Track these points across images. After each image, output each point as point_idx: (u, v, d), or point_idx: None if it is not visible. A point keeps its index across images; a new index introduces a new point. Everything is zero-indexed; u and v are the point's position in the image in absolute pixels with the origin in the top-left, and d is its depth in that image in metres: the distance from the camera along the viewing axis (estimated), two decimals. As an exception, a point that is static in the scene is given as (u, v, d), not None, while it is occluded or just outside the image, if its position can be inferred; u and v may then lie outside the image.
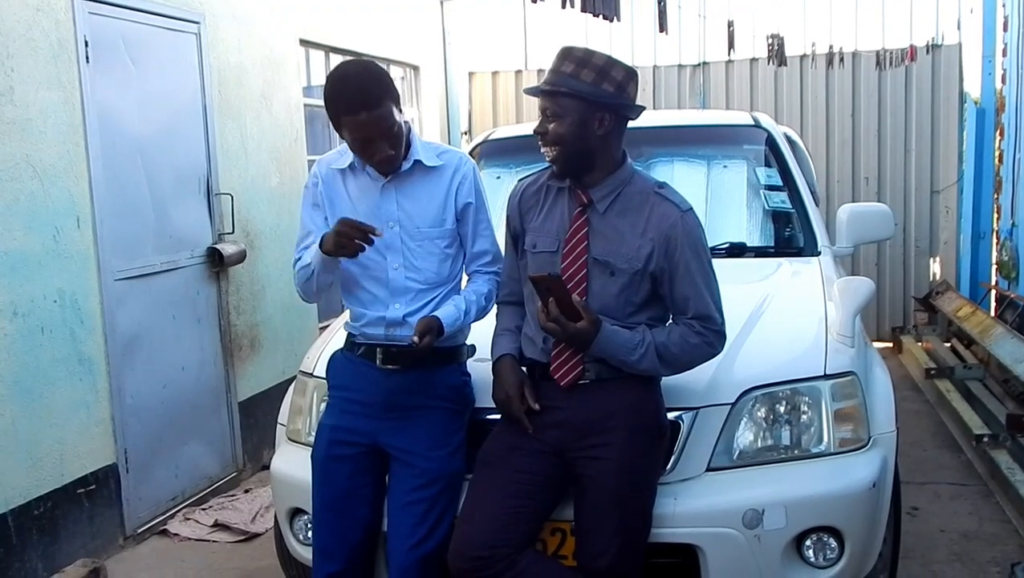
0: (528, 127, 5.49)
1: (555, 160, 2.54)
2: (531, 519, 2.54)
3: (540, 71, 8.83)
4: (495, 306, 2.82)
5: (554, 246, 2.58)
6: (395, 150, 2.60)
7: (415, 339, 2.53)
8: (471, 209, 2.75)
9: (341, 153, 2.76)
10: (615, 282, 2.52)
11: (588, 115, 2.48)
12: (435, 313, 2.63)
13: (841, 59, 8.09)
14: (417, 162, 2.68)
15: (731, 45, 8.09)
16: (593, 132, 2.49)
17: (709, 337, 2.53)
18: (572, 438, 2.54)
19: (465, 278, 2.84)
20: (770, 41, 8.02)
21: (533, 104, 9.55)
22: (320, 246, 2.59)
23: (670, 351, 2.50)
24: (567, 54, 2.51)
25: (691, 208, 2.56)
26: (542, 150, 2.55)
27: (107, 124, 4.22)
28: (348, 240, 2.50)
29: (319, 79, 6.54)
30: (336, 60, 6.45)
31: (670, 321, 2.61)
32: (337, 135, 2.66)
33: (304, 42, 6.16)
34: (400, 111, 2.60)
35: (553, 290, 2.40)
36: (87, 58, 4.09)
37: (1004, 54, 7.47)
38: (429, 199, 2.71)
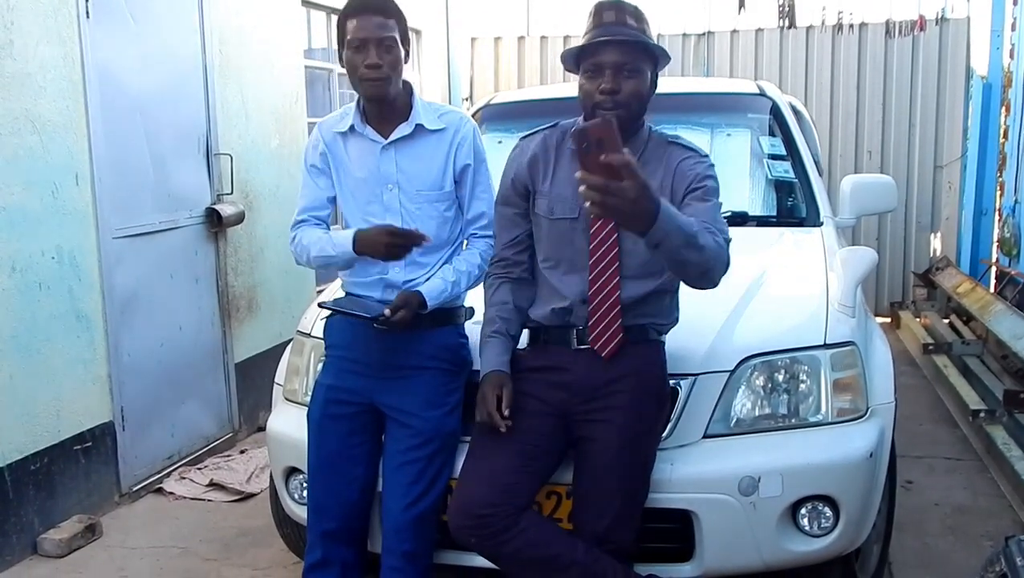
0: (529, 92, 5.47)
1: (618, 119, 2.24)
2: (532, 480, 2.54)
3: (544, 38, 8.76)
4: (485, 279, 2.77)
5: (575, 212, 2.51)
6: (383, 66, 2.55)
7: (386, 312, 2.52)
8: (469, 171, 2.72)
9: (342, 116, 2.74)
10: None
11: (654, 72, 2.47)
12: (419, 288, 2.61)
13: (850, 27, 7.99)
14: (419, 126, 2.66)
15: (742, 4, 7.93)
16: (653, 90, 2.50)
17: (721, 242, 2.32)
18: (577, 401, 2.54)
19: (466, 243, 2.81)
20: (781, 2, 7.89)
21: (534, 70, 9.36)
22: (354, 247, 2.58)
23: (706, 239, 2.19)
24: (620, 7, 2.42)
25: (708, 155, 2.55)
26: (608, 114, 2.31)
27: (107, 81, 4.18)
28: (399, 249, 2.53)
29: (320, 41, 6.48)
30: (338, 22, 6.38)
31: None
32: (338, 99, 2.64)
33: (306, 3, 6.09)
34: (405, 47, 2.61)
35: (606, 141, 1.85)
36: (88, 13, 4.04)
37: (1013, 28, 7.41)
38: (429, 161, 2.68)
